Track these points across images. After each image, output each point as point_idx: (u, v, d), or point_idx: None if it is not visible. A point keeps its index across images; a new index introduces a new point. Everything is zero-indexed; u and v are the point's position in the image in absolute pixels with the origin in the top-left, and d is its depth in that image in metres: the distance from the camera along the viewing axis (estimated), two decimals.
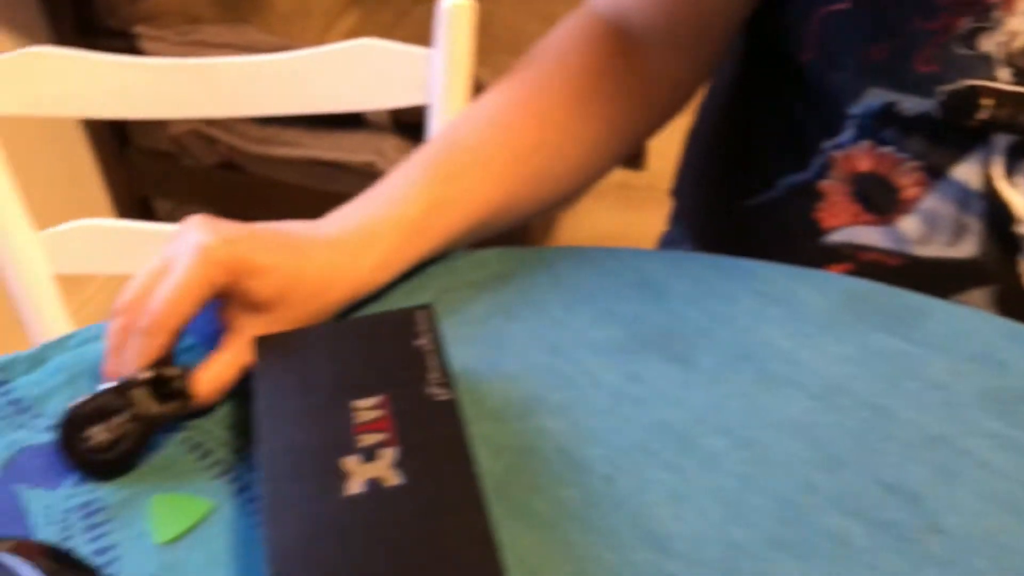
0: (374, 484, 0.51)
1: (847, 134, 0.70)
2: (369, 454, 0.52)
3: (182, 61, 0.78)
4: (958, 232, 0.68)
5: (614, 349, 0.65)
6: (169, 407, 0.58)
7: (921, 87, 0.63)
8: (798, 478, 0.57)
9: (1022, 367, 0.62)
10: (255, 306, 0.59)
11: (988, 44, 0.61)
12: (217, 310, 0.61)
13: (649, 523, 0.55)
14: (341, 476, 0.51)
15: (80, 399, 0.58)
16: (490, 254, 0.73)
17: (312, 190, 1.58)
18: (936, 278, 0.68)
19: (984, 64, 0.62)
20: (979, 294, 0.70)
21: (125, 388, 0.57)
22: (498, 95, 0.69)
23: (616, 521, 0.55)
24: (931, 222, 0.69)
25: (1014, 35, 0.61)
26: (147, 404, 0.57)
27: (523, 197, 0.70)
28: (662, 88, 0.74)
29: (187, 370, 0.59)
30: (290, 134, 1.57)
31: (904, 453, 0.58)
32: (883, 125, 0.67)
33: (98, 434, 0.57)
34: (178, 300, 0.56)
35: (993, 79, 0.62)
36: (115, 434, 0.57)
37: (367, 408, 0.55)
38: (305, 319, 0.61)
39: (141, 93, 0.80)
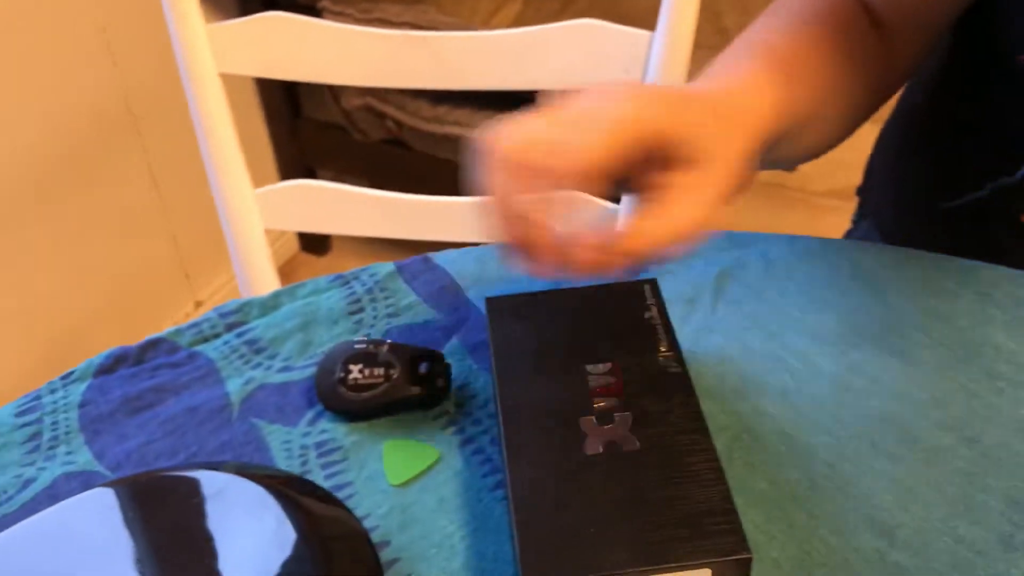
0: (611, 446, 0.52)
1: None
2: (605, 417, 0.53)
3: (410, 33, 0.81)
4: None
5: (832, 338, 0.65)
6: (420, 391, 0.60)
7: None
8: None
9: None
10: (685, 160, 0.53)
11: None
12: (637, 176, 0.55)
13: (873, 512, 0.55)
14: (580, 435, 0.52)
15: (356, 340, 0.61)
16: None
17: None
18: None
19: None
20: None
21: (398, 350, 0.60)
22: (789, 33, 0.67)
23: (840, 507, 0.55)
24: None
25: None
26: (406, 378, 0.60)
27: (817, 120, 0.68)
28: (896, 69, 0.74)
29: (447, 366, 0.61)
30: (460, 114, 1.60)
31: None
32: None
33: (357, 374, 0.59)
34: (608, 142, 0.50)
35: None
36: (368, 382, 0.59)
37: (600, 373, 0.56)
38: (727, 173, 0.54)
39: (370, 61, 0.83)
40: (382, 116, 1.72)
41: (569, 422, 0.53)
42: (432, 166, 1.69)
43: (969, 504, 0.55)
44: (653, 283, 0.62)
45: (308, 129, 1.87)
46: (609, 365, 0.56)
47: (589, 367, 0.56)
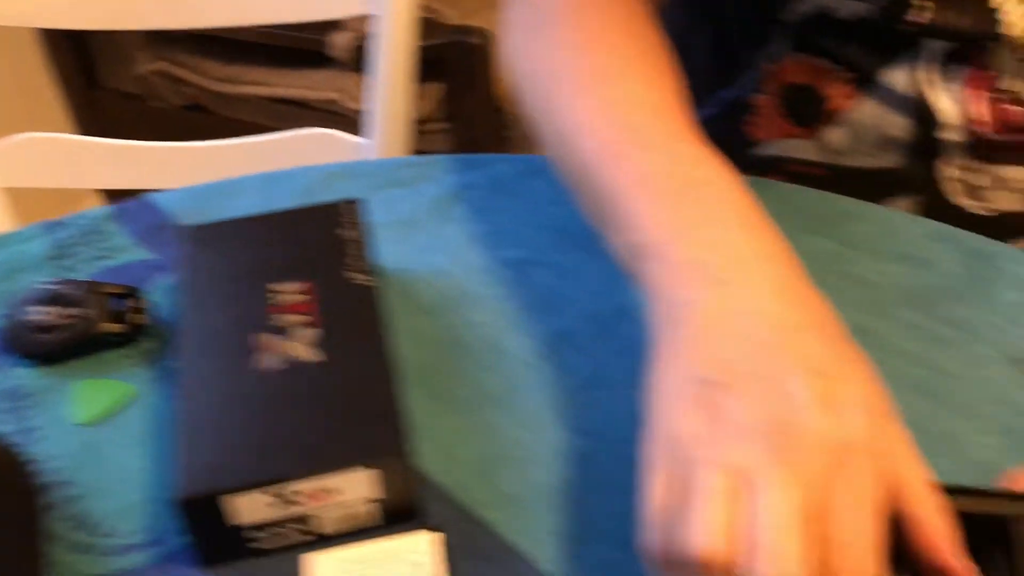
0: (291, 360, 0.51)
1: (778, 46, 0.70)
2: (288, 333, 0.53)
3: None
4: (882, 142, 0.69)
5: (546, 248, 0.66)
6: (116, 327, 0.58)
7: None
8: None
9: (944, 266, 0.63)
10: None
11: None
12: None
13: (567, 406, 0.56)
14: (254, 351, 0.52)
15: (49, 281, 0.58)
16: (420, 159, 0.73)
17: (275, 128, 1.58)
18: (861, 187, 0.68)
19: None
20: (903, 202, 0.71)
21: (92, 288, 0.57)
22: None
23: (535, 404, 0.56)
24: (857, 133, 0.69)
25: None
26: (100, 315, 0.57)
27: None
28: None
29: (147, 301, 0.59)
30: (255, 73, 1.56)
31: None
32: (818, 32, 0.67)
33: (43, 314, 0.57)
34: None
35: None
36: (58, 322, 0.57)
37: (289, 292, 0.55)
38: None
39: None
40: (179, 81, 1.66)
41: (247, 340, 0.52)
42: (235, 129, 1.65)
43: None
44: (353, 204, 0.61)
45: (107, 99, 1.79)
46: (298, 284, 0.56)
47: (277, 286, 0.56)
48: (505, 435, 0.54)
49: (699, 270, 0.44)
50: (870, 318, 0.60)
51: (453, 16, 1.47)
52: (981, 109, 0.65)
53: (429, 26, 1.47)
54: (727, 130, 0.76)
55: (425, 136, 1.53)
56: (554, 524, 0.50)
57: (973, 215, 0.69)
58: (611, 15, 0.59)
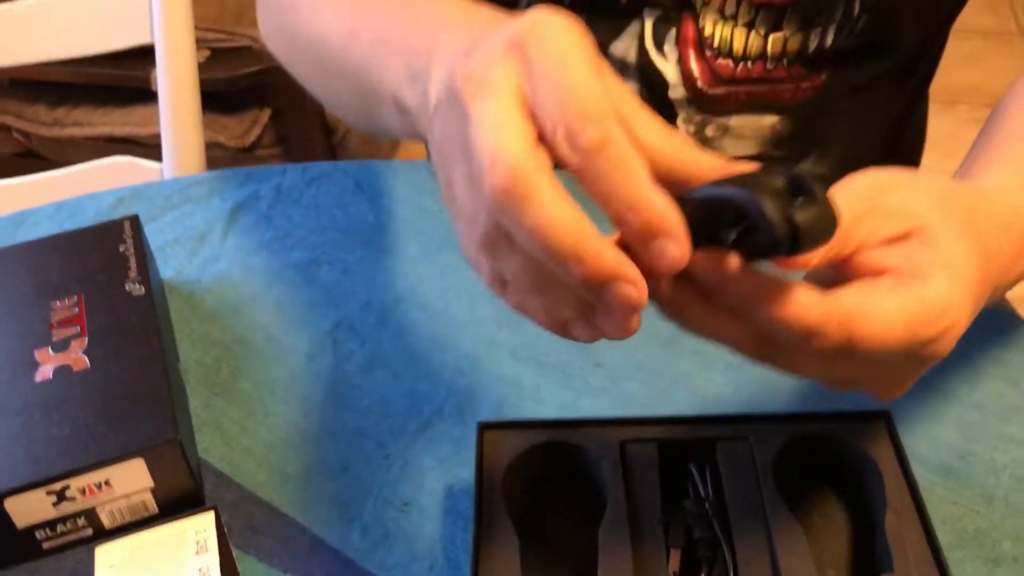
0: (63, 369, 0.54)
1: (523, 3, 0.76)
2: (61, 345, 0.55)
3: None
4: None
5: (331, 248, 0.70)
6: None
7: None
8: (484, 336, 0.62)
9: None
10: None
11: None
12: None
13: (345, 389, 0.60)
14: (33, 365, 0.54)
15: None
16: (208, 175, 0.77)
17: None
18: None
19: None
20: None
21: None
22: None
23: (314, 392, 0.60)
24: None
25: None
26: None
27: None
28: None
29: None
30: (79, 113, 1.56)
31: None
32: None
33: None
34: None
35: None
36: None
37: (66, 307, 0.58)
38: None
39: None
40: (7, 128, 1.65)
41: (25, 356, 0.55)
42: None
43: (429, 365, 0.61)
44: (133, 219, 0.64)
45: None
46: (75, 297, 0.59)
47: (57, 303, 0.58)
48: (285, 422, 0.58)
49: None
50: None
51: None
52: (695, 66, 0.72)
53: (252, 55, 1.50)
54: None
55: (258, 162, 1.56)
56: (329, 495, 0.54)
57: None
58: None
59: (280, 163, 1.60)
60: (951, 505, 0.52)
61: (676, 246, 0.35)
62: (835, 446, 0.49)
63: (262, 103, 1.51)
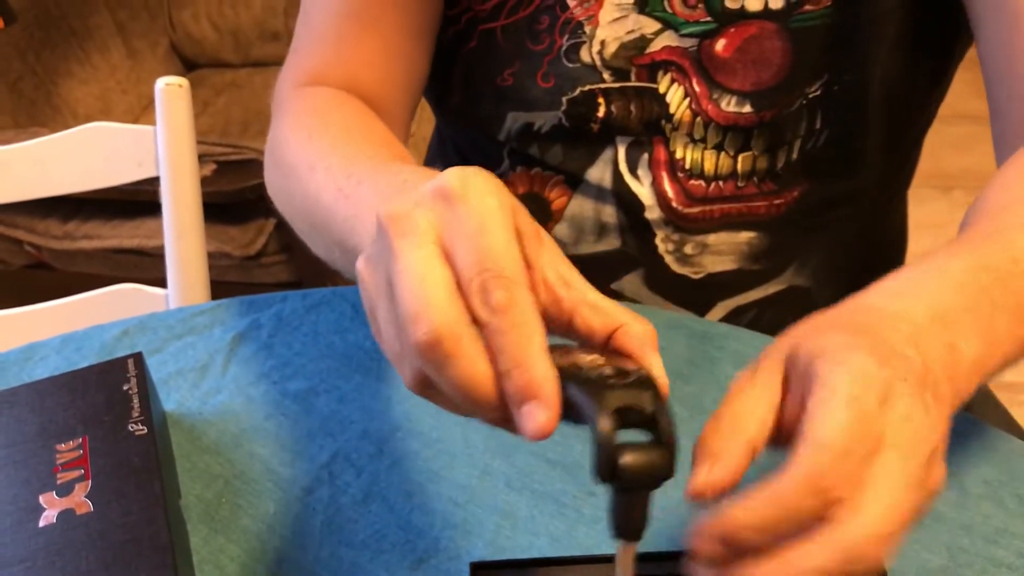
0: (66, 514, 0.55)
1: (505, 164, 0.79)
2: (65, 489, 0.57)
3: None
4: (600, 229, 0.78)
5: (329, 376, 0.71)
6: None
7: (547, 101, 0.73)
8: (477, 466, 0.64)
9: (674, 350, 0.70)
10: None
11: (587, 55, 0.72)
12: None
13: (340, 522, 0.61)
14: (38, 510, 0.56)
15: None
16: (210, 305, 0.79)
17: (120, 279, 1.61)
18: (593, 272, 0.77)
19: (591, 71, 0.72)
20: (631, 278, 0.80)
21: None
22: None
23: (311, 527, 0.61)
24: (578, 225, 0.78)
25: (603, 43, 0.71)
26: None
27: None
28: None
29: None
30: (89, 227, 1.60)
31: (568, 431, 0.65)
32: (526, 145, 0.76)
33: None
34: None
35: (602, 82, 0.72)
36: None
37: (69, 449, 0.60)
38: None
39: None
40: (18, 242, 1.69)
41: (30, 501, 0.56)
42: (78, 282, 1.67)
43: (425, 497, 0.62)
44: (137, 357, 0.66)
45: None
46: (79, 440, 0.60)
47: (61, 446, 0.60)
48: (283, 558, 0.59)
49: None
50: None
51: None
52: (668, 188, 0.75)
53: (257, 166, 1.54)
54: None
55: (264, 269, 1.59)
56: None
57: (689, 279, 0.79)
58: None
59: (284, 269, 1.63)
60: None
61: (544, 413, 0.37)
62: None
63: (267, 213, 1.54)
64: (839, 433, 0.36)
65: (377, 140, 0.63)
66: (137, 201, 1.54)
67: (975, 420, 0.64)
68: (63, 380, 0.65)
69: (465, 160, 0.85)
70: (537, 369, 0.37)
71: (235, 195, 1.49)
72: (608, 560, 0.51)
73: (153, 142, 0.85)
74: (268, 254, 1.57)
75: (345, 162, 0.58)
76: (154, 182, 1.49)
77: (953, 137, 2.22)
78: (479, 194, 0.39)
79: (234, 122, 1.88)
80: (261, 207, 1.54)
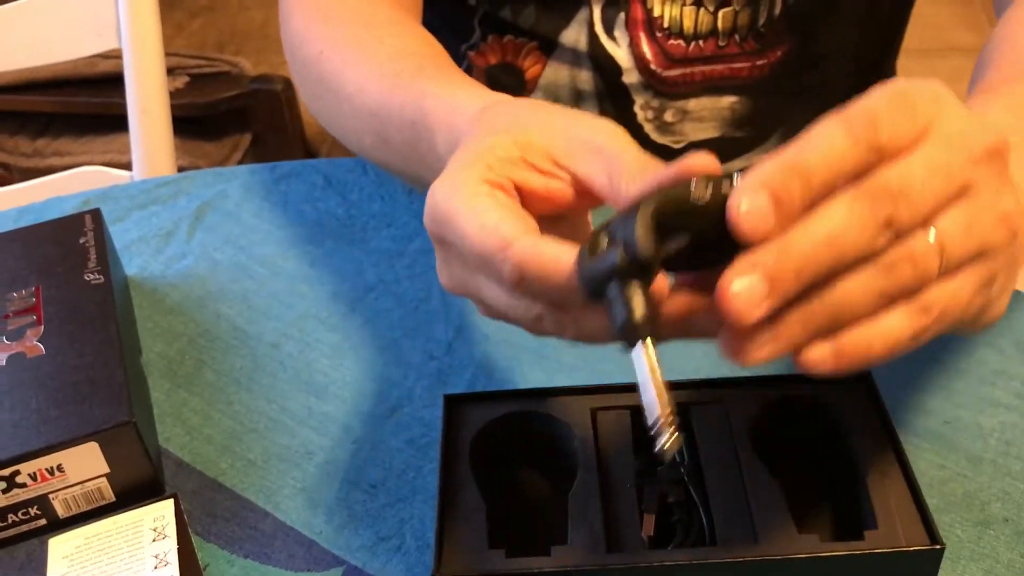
0: (16, 356, 0.52)
1: (476, 35, 0.75)
2: (16, 335, 0.54)
3: None
4: (577, 97, 0.75)
5: (297, 241, 0.68)
6: None
7: None
8: (454, 323, 0.61)
9: None
10: None
11: None
12: None
13: (309, 375, 0.58)
14: None
15: None
16: (174, 176, 0.76)
17: None
18: None
19: None
20: None
21: None
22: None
23: (279, 379, 0.58)
24: (553, 93, 0.75)
25: None
26: None
27: None
28: None
29: None
30: (59, 143, 1.55)
31: None
32: (499, 6, 0.72)
33: None
34: None
35: None
36: None
37: (20, 298, 0.56)
38: None
39: None
40: None
41: None
42: None
43: (400, 352, 0.59)
44: (95, 212, 0.63)
45: None
46: (32, 288, 0.57)
47: (12, 294, 0.57)
48: (249, 409, 0.56)
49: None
50: None
51: (251, 68, 1.50)
52: (646, 48, 0.71)
53: (231, 80, 1.50)
54: None
55: None
56: (293, 480, 0.52)
57: (670, 148, 0.75)
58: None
59: None
60: (938, 469, 0.50)
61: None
62: (815, 409, 0.48)
63: (243, 128, 1.50)
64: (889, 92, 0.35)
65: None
66: (109, 115, 1.49)
67: None
68: (17, 234, 0.62)
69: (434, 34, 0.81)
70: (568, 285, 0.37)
71: (208, 108, 1.45)
72: (585, 391, 0.49)
73: (114, 11, 0.81)
74: None
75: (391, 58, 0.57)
76: (120, 94, 1.45)
77: (945, 69, 2.18)
78: (447, 217, 0.41)
79: (209, 44, 1.83)
80: (237, 121, 1.50)
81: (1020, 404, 0.53)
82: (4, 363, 0.52)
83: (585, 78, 0.74)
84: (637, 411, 0.48)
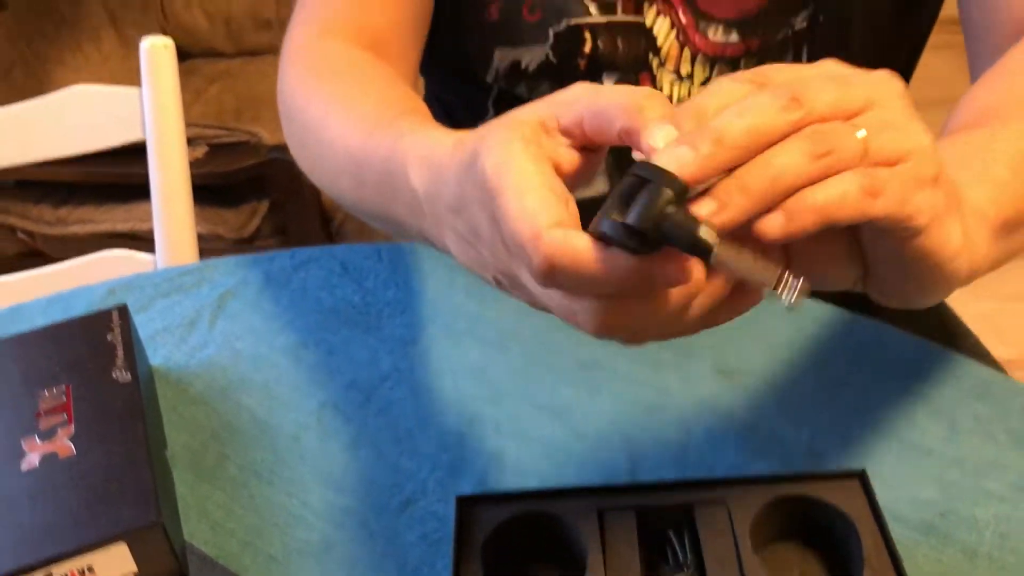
0: (48, 457, 0.55)
1: (491, 116, 0.78)
2: (48, 434, 0.56)
3: None
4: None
5: (316, 329, 0.71)
6: None
7: (533, 35, 0.72)
8: (466, 413, 0.63)
9: None
10: None
11: None
12: None
13: (329, 468, 0.60)
14: (20, 454, 0.55)
15: None
16: (197, 265, 0.78)
17: None
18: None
19: (576, 4, 0.71)
20: None
21: None
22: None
23: (299, 472, 0.60)
24: None
25: None
26: None
27: None
28: None
29: None
30: (82, 212, 1.59)
31: (557, 379, 0.65)
32: (514, 83, 0.75)
33: None
34: None
35: (588, 15, 0.71)
36: None
37: (51, 396, 0.59)
38: None
39: None
40: (11, 229, 1.68)
41: (12, 445, 0.56)
42: None
43: (412, 443, 0.61)
44: (122, 308, 0.66)
45: None
46: (63, 387, 0.60)
47: (43, 392, 0.59)
48: (270, 504, 0.58)
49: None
50: (597, 350, 0.66)
51: (270, 137, 1.54)
52: None
53: (249, 149, 1.54)
54: None
55: (258, 252, 1.58)
56: (313, 575, 0.54)
57: None
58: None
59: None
60: (935, 563, 0.52)
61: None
62: (812, 506, 0.50)
63: (260, 195, 1.54)
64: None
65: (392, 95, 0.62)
66: (130, 184, 1.53)
67: (967, 360, 0.63)
68: (47, 332, 0.65)
69: (451, 117, 0.84)
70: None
71: (227, 177, 1.49)
72: (592, 492, 0.51)
73: (138, 103, 0.84)
74: (262, 237, 1.56)
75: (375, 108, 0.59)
76: (145, 165, 1.49)
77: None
78: (495, 192, 0.40)
79: (227, 110, 1.87)
80: (255, 188, 1.53)
81: (1014, 495, 0.55)
82: (37, 464, 0.54)
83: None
84: (642, 511, 0.50)
